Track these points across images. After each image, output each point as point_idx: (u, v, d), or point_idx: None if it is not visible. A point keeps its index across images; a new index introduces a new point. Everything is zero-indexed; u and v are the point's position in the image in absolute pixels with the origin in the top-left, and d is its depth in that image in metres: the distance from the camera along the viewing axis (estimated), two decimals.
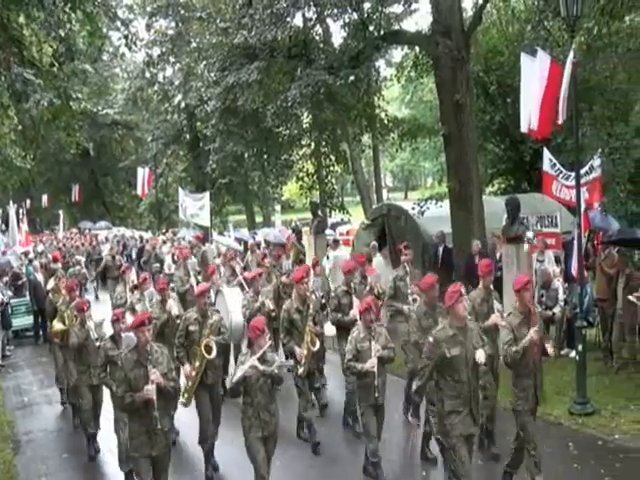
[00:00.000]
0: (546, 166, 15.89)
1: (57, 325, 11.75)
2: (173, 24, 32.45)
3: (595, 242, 15.23)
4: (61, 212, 41.93)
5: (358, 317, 9.24)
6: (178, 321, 10.45)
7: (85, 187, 49.51)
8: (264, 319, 8.07)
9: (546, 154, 15.97)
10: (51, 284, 14.61)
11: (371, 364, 8.21)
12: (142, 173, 37.41)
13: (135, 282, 13.98)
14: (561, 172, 15.46)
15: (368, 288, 11.29)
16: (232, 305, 12.81)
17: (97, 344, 9.91)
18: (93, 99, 40.20)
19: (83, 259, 23.90)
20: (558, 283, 13.94)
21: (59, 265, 18.94)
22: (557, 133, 16.88)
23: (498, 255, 14.66)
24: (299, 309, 10.20)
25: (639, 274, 12.52)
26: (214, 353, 9.22)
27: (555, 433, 9.91)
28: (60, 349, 12.30)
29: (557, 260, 14.87)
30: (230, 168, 23.31)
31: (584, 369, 10.63)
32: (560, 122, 11.71)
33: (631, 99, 22.13)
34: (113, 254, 22.91)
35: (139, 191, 38.73)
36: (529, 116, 12.44)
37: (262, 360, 7.37)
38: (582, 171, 13.83)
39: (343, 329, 10.60)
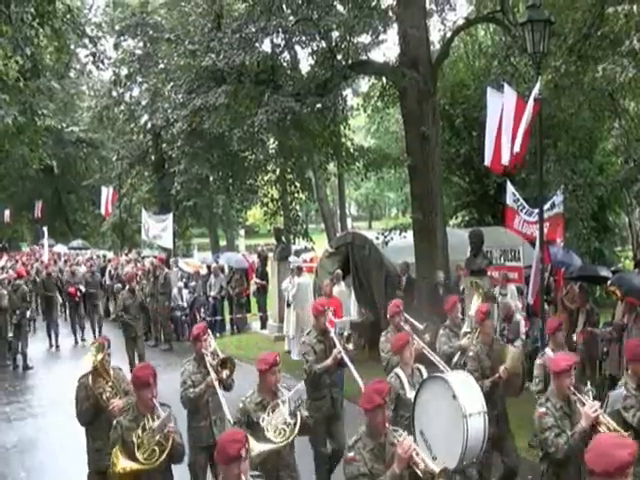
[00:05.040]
0: (509, 200, 15.98)
1: (122, 462, 6.03)
2: (141, 44, 32.33)
3: (556, 277, 15.32)
4: (45, 229, 36.06)
5: None
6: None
7: (48, 204, 48.85)
8: None
9: (509, 188, 16.06)
10: (88, 361, 7.51)
11: None
12: (106, 192, 37.12)
13: (220, 354, 8.22)
14: (524, 207, 15.54)
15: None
16: (467, 402, 6.74)
17: None
18: (58, 116, 39.82)
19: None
20: (520, 317, 13.97)
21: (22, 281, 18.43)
22: (521, 168, 17.01)
23: (461, 287, 14.68)
24: None
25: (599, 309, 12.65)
26: None
27: None
28: None
29: (520, 293, 14.93)
30: (195, 191, 23.03)
31: None
32: (515, 152, 11.75)
33: (595, 137, 22.44)
34: (132, 287, 16.28)
35: (102, 210, 38.33)
36: (493, 150, 12.52)
37: None
38: (544, 207, 13.92)
39: None
